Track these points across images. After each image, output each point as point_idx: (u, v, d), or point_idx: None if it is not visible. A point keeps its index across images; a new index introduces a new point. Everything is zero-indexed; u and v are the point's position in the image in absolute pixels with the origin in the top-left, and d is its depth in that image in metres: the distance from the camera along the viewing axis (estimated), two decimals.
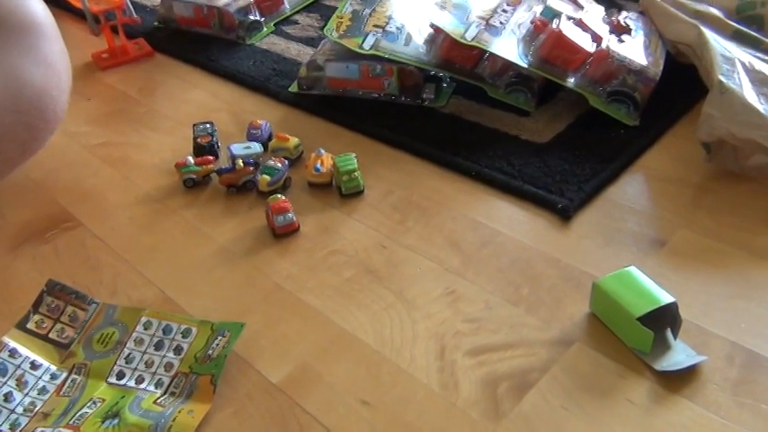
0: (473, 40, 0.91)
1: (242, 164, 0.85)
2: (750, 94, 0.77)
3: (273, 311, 0.69)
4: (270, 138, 0.95)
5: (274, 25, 1.29)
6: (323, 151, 0.88)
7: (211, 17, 1.25)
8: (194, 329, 0.66)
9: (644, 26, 0.99)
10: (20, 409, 0.61)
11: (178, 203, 0.86)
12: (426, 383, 0.60)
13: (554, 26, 0.93)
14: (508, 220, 0.78)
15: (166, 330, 0.66)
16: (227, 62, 1.17)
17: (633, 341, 0.61)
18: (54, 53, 0.86)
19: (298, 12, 1.34)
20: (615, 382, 0.59)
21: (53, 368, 0.65)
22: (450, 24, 0.94)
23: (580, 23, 0.95)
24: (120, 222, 0.84)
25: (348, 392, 0.60)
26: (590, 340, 0.63)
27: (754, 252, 0.70)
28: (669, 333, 0.61)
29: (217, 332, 0.65)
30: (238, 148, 0.89)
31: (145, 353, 0.65)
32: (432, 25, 0.98)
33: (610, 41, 0.94)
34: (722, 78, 0.79)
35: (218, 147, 0.94)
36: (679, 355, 0.60)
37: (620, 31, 0.97)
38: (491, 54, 0.93)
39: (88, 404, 0.60)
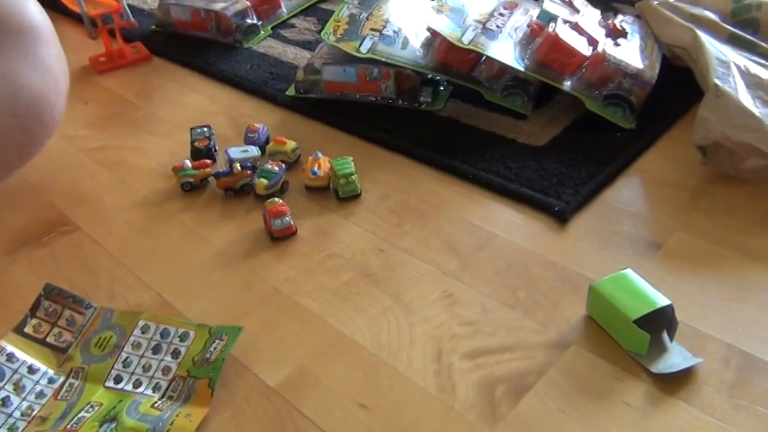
0: (470, 43, 0.92)
1: (239, 167, 0.85)
2: (745, 98, 0.77)
3: (271, 315, 0.69)
4: (267, 141, 0.95)
5: (271, 29, 1.29)
6: (320, 155, 0.88)
7: (209, 21, 1.25)
8: (192, 333, 0.66)
9: (640, 30, 1.00)
10: (17, 414, 0.61)
11: (175, 207, 0.86)
12: (423, 387, 0.60)
13: (550, 30, 0.93)
14: (505, 224, 0.78)
15: (164, 334, 0.66)
16: (225, 66, 1.17)
17: (630, 344, 0.61)
18: (51, 57, 0.86)
19: (295, 15, 1.34)
20: (612, 384, 0.59)
21: (51, 372, 0.65)
22: (446, 28, 0.94)
23: (576, 27, 0.95)
24: (118, 226, 0.84)
25: (345, 396, 0.60)
26: (587, 343, 0.63)
27: (750, 254, 0.71)
28: (665, 335, 0.61)
29: (214, 336, 0.65)
30: (236, 152, 0.89)
31: (142, 357, 0.65)
32: (429, 29, 0.98)
33: (606, 45, 0.94)
34: (718, 82, 0.79)
35: (215, 150, 0.94)
36: (675, 358, 0.60)
37: (616, 34, 0.97)
38: (488, 57, 0.93)
39: (86, 408, 0.60)
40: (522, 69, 0.92)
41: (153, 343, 0.66)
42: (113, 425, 0.58)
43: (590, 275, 0.69)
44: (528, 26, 0.96)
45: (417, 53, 0.98)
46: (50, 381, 0.64)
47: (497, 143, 0.91)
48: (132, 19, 1.20)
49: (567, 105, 0.96)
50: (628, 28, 0.98)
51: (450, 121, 0.97)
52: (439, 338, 0.65)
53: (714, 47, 0.85)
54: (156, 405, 0.60)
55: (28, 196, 0.91)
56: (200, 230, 0.82)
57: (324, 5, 1.37)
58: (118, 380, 0.63)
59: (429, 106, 0.99)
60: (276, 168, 0.85)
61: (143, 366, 0.64)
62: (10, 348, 0.65)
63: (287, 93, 1.07)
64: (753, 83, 0.79)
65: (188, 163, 0.88)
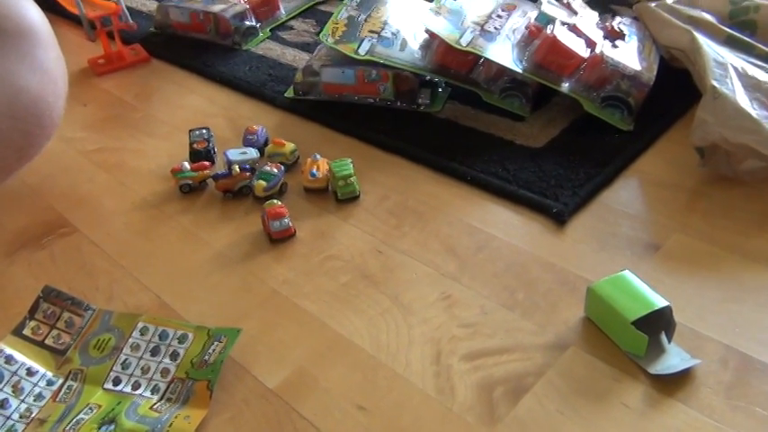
0: (468, 45, 0.92)
1: (238, 169, 0.85)
2: (743, 99, 0.77)
3: (270, 317, 0.69)
4: (266, 143, 0.95)
5: (270, 31, 1.29)
6: (319, 156, 0.88)
7: (207, 23, 1.26)
8: (191, 335, 0.66)
9: (638, 31, 1.00)
10: (16, 416, 0.61)
11: (174, 209, 0.86)
12: (422, 388, 0.60)
13: (548, 31, 0.93)
14: (503, 225, 0.78)
15: (163, 336, 0.66)
16: (224, 68, 1.17)
17: (628, 345, 0.61)
18: (50, 59, 0.86)
19: (293, 17, 1.34)
20: (610, 385, 0.59)
21: (49, 374, 0.65)
22: (445, 30, 0.94)
23: (574, 29, 0.95)
24: (117, 228, 0.84)
25: (344, 397, 0.60)
26: (585, 344, 0.63)
27: (747, 255, 0.71)
28: (663, 337, 0.62)
29: (213, 338, 0.65)
30: (234, 154, 0.89)
31: (141, 359, 0.65)
32: (427, 31, 0.98)
33: (604, 47, 0.94)
34: (715, 83, 0.79)
35: (214, 152, 0.94)
36: (673, 359, 0.60)
37: (613, 36, 0.98)
38: (486, 59, 0.93)
39: (84, 410, 0.60)
40: (521, 71, 0.92)
41: (152, 345, 0.66)
42: (112, 427, 0.58)
43: (588, 277, 0.70)
44: (526, 28, 0.96)
45: (416, 55, 0.98)
46: (49, 383, 0.64)
47: (495, 145, 0.91)
48: (131, 21, 1.20)
49: (565, 107, 0.96)
50: (626, 30, 0.99)
51: (449, 122, 0.97)
52: (438, 340, 0.65)
53: (712, 49, 0.85)
54: (154, 407, 0.60)
55: (27, 198, 0.91)
56: (198, 232, 0.82)
57: (322, 7, 1.37)
58: (117, 382, 0.63)
59: (427, 108, 0.99)
60: (275, 170, 0.85)
61: (142, 368, 0.64)
62: (8, 350, 0.65)
63: (285, 94, 1.07)
64: (750, 85, 0.80)
65: (187, 165, 0.88)
